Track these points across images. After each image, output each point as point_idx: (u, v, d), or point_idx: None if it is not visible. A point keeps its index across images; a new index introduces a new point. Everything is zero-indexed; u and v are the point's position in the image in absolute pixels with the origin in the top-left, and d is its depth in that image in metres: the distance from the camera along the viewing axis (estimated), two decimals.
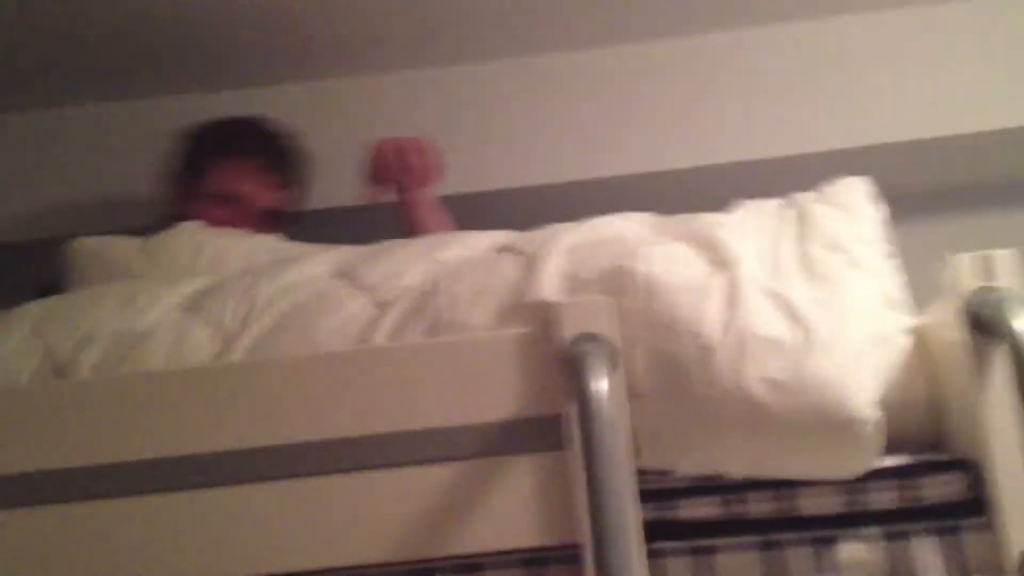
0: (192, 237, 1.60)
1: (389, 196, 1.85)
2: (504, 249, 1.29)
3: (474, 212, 1.88)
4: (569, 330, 1.08)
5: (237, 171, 1.85)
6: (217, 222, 1.73)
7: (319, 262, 1.32)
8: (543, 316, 1.11)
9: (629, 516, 1.00)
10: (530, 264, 1.19)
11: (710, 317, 1.09)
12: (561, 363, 1.07)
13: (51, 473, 1.11)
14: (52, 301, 1.33)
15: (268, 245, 1.58)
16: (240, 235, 1.65)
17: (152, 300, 1.27)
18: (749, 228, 1.21)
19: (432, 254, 1.28)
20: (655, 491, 1.12)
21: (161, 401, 1.13)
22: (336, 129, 2.12)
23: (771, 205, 1.28)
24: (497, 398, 1.10)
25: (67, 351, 1.21)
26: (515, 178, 2.13)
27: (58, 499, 1.11)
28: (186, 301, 1.28)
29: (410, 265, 1.26)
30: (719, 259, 1.16)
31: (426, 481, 1.09)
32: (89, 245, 1.61)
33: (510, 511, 1.09)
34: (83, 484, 1.11)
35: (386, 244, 1.34)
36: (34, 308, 1.29)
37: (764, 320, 1.09)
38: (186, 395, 1.13)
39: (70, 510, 1.10)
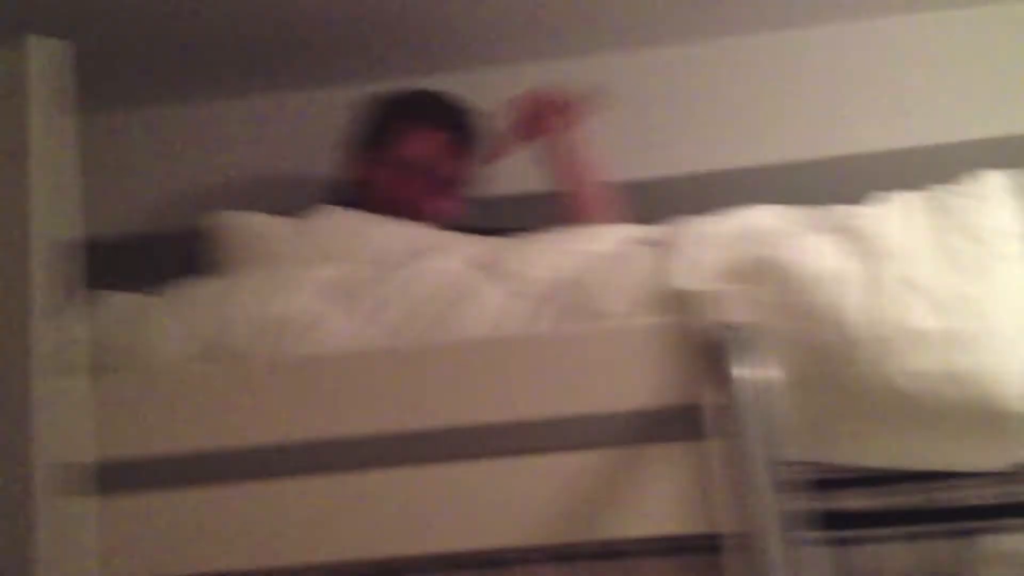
0: (341, 222, 1.55)
1: (528, 149, 1.79)
2: (641, 242, 1.30)
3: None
4: (711, 319, 1.09)
5: (428, 140, 1.82)
6: (400, 192, 1.75)
7: (457, 252, 1.35)
8: (684, 305, 1.13)
9: (775, 506, 1.00)
10: (669, 255, 1.20)
11: (853, 308, 1.09)
12: (703, 351, 1.08)
13: (213, 454, 1.17)
14: (198, 285, 1.36)
15: (412, 233, 1.53)
16: (386, 222, 1.57)
17: (294, 286, 1.30)
18: (892, 220, 1.19)
19: (568, 247, 1.30)
20: (800, 481, 1.11)
21: (315, 386, 1.17)
22: None
23: (913, 197, 1.26)
24: (638, 386, 1.11)
25: (211, 335, 1.26)
26: (659, 168, 2.12)
27: (221, 479, 1.16)
28: (327, 288, 1.30)
29: (547, 257, 1.28)
30: (862, 251, 1.14)
31: (569, 468, 1.11)
32: (238, 222, 1.54)
33: (652, 499, 1.10)
34: (244, 465, 1.16)
35: (522, 237, 1.36)
36: (180, 292, 1.33)
37: (909, 312, 1.08)
38: (338, 380, 1.17)
39: (238, 489, 1.16)
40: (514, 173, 1.91)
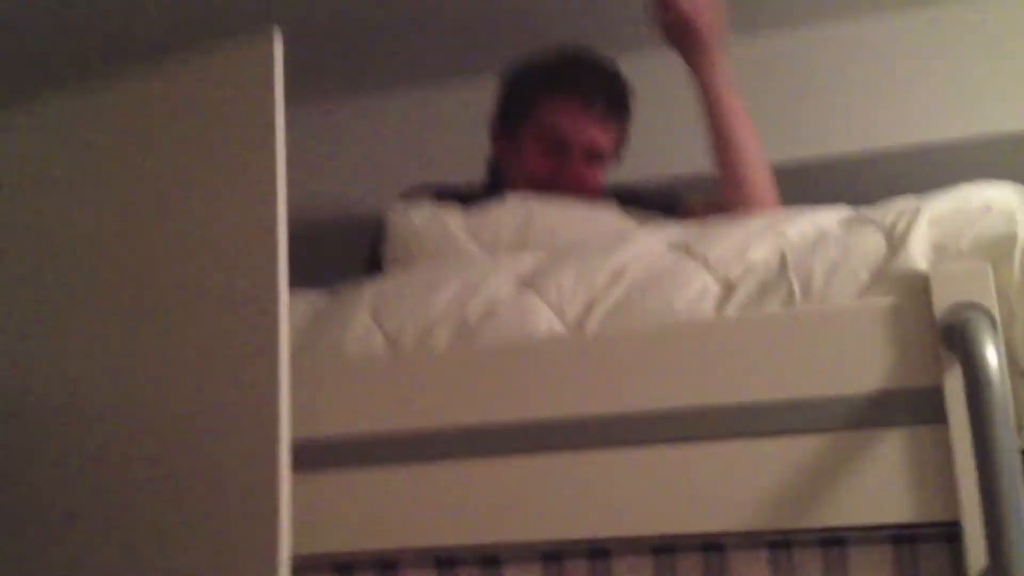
0: (519, 209, 1.49)
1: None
2: (853, 221, 1.25)
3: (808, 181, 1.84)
4: (946, 299, 1.04)
5: (563, 110, 1.65)
6: (538, 168, 1.64)
7: (655, 238, 1.32)
8: (915, 286, 1.08)
9: (1020, 495, 0.95)
10: (891, 235, 1.15)
11: None
12: (940, 333, 1.03)
13: (416, 435, 1.20)
14: (387, 285, 1.36)
15: (600, 217, 1.50)
16: (570, 207, 1.52)
17: (487, 280, 1.30)
18: None
19: (776, 228, 1.25)
20: None
21: (519, 370, 1.19)
22: None
23: None
24: (866, 369, 1.08)
25: (410, 337, 1.26)
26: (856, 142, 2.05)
27: (442, 456, 1.19)
28: (521, 279, 1.30)
29: (754, 240, 1.23)
30: None
31: (793, 452, 1.08)
32: (411, 218, 1.51)
33: (880, 485, 1.06)
34: (444, 446, 1.19)
35: (724, 222, 1.33)
36: (369, 292, 1.33)
37: None
38: (546, 365, 1.18)
39: (442, 467, 1.18)
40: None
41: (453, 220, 1.48)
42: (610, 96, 1.67)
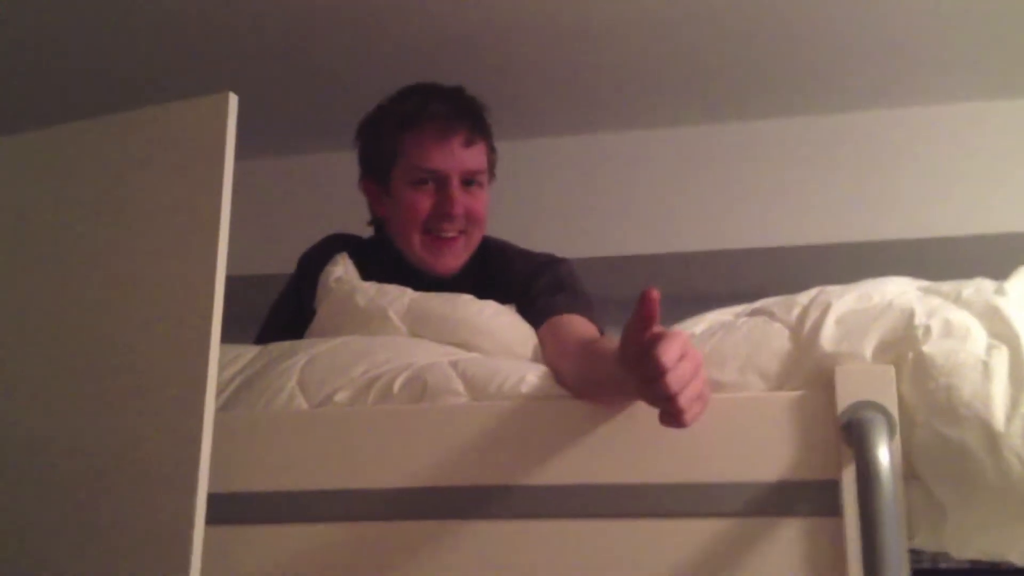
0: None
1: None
2: (757, 313, 1.30)
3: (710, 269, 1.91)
4: (849, 397, 1.10)
5: (438, 143, 1.60)
6: (426, 210, 1.59)
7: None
8: (820, 382, 1.13)
9: None
10: (798, 331, 1.21)
11: (996, 402, 1.05)
12: (841, 429, 1.09)
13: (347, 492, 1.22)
14: (318, 351, 1.38)
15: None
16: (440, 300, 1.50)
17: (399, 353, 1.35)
18: None
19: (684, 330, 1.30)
20: (927, 571, 1.11)
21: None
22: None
23: None
24: (770, 458, 1.12)
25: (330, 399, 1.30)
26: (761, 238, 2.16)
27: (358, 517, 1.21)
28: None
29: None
30: (1000, 332, 1.11)
31: (693, 535, 1.12)
32: (355, 299, 1.52)
33: (777, 572, 1.10)
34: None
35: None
36: (300, 360, 1.35)
37: None
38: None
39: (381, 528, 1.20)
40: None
41: (391, 308, 1.50)
42: (469, 116, 1.63)
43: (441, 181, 1.60)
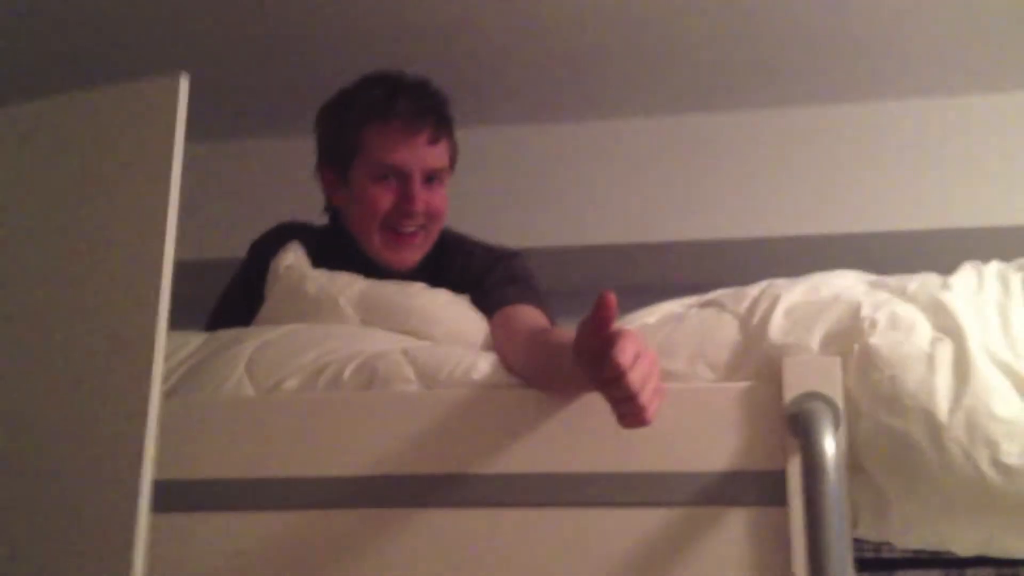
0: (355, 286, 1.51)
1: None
2: (708, 305, 1.31)
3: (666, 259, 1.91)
4: (795, 388, 1.12)
5: (402, 139, 1.58)
6: (385, 206, 1.57)
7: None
8: (767, 374, 1.15)
9: None
10: (747, 322, 1.22)
11: (940, 394, 1.07)
12: (786, 419, 1.10)
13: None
14: (267, 339, 1.38)
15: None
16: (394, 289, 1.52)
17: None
18: (972, 292, 1.18)
19: (637, 319, 1.32)
20: (870, 560, 1.13)
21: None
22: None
23: (993, 268, 1.24)
24: (717, 448, 1.14)
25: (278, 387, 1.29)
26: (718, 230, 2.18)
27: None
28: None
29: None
30: (945, 325, 1.13)
31: (641, 524, 1.13)
32: (305, 286, 1.52)
33: (721, 563, 1.11)
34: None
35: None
36: (249, 347, 1.35)
37: (996, 397, 1.06)
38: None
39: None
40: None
41: (342, 296, 1.49)
42: (435, 113, 1.61)
43: (403, 177, 1.58)
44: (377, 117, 1.58)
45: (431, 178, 1.61)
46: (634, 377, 0.98)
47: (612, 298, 1.00)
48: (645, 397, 1.00)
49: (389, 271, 1.59)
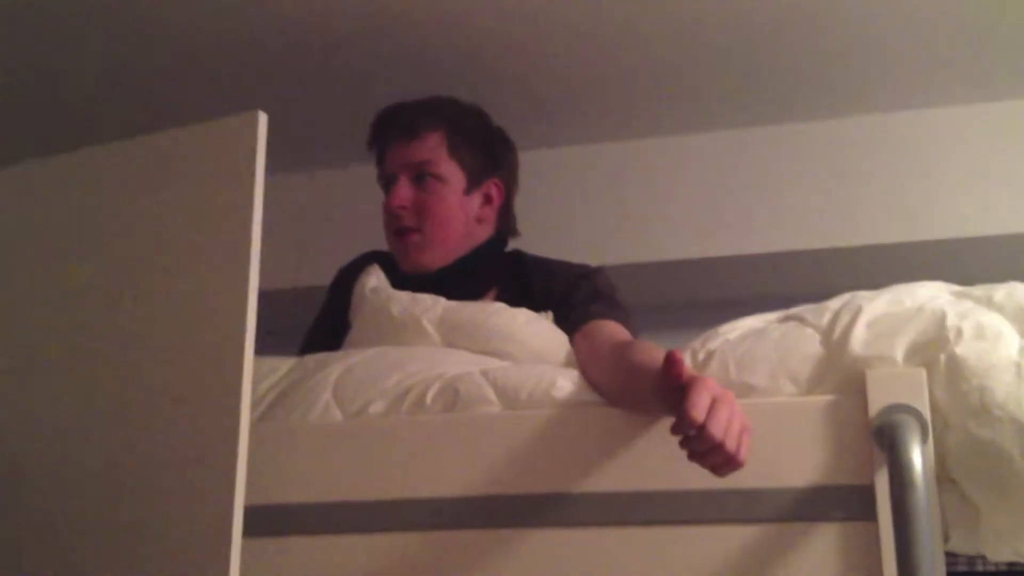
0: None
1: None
2: (789, 319, 1.30)
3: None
4: (880, 401, 1.10)
5: (388, 146, 1.67)
6: (383, 213, 1.65)
7: None
8: (852, 386, 1.13)
9: None
10: (829, 335, 1.21)
11: None
12: (873, 433, 1.09)
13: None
14: (351, 363, 1.39)
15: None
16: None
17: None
18: None
19: (717, 331, 1.30)
20: (964, 573, 1.10)
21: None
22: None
23: None
24: (803, 463, 1.12)
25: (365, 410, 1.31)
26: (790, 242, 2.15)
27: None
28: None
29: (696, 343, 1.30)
30: None
31: (730, 540, 1.12)
32: (389, 307, 1.53)
33: None
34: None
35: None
36: (334, 372, 1.36)
37: None
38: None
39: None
40: None
41: (425, 316, 1.51)
42: (410, 111, 1.66)
43: (394, 181, 1.65)
44: (370, 140, 1.70)
45: (421, 177, 1.64)
46: (714, 428, 1.01)
47: (679, 356, 1.04)
48: (731, 444, 1.02)
49: (418, 279, 1.60)
